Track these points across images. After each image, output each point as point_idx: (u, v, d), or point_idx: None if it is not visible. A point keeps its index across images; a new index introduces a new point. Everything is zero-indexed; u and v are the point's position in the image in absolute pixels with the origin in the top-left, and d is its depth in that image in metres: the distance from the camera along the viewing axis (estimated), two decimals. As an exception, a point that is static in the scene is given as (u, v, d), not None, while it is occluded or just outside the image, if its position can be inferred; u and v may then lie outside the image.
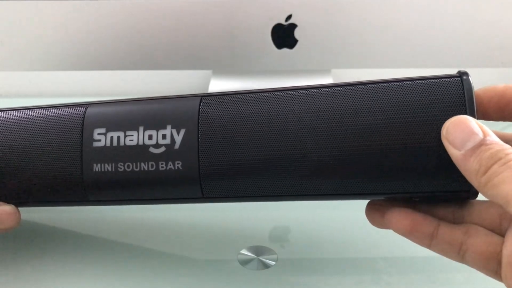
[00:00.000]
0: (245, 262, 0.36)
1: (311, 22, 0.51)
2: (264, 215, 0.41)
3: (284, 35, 0.52)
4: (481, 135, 0.24)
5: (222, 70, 0.58)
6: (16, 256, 0.37)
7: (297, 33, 0.52)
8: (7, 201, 0.35)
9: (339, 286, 0.34)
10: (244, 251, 0.37)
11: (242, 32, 0.52)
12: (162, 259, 0.37)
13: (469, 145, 0.24)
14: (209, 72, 0.61)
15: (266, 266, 0.35)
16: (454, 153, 0.25)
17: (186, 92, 0.68)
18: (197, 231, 0.40)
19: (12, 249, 0.38)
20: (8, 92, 0.69)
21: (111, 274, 0.35)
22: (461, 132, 0.25)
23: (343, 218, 0.41)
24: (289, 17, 0.51)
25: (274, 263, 0.36)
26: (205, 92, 0.59)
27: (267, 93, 0.30)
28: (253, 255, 0.36)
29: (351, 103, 0.28)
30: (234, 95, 0.31)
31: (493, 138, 0.24)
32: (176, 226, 0.41)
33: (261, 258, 0.36)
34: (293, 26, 0.52)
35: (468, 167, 0.24)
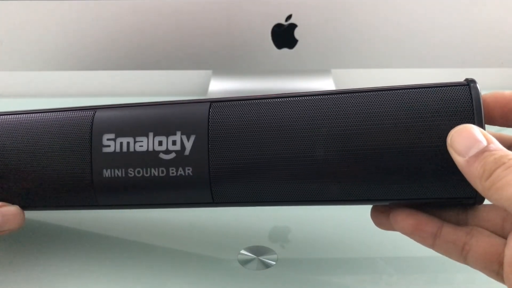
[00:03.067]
0: (245, 262, 0.36)
1: (311, 22, 0.52)
2: (264, 215, 0.41)
3: (284, 35, 0.52)
4: (485, 142, 0.25)
5: (222, 70, 0.58)
6: (19, 255, 0.37)
7: (297, 33, 0.52)
8: (15, 204, 0.35)
9: (339, 286, 0.34)
10: (244, 251, 0.37)
11: (242, 32, 0.52)
12: (162, 259, 0.37)
13: (473, 151, 0.25)
14: (209, 72, 0.61)
15: (266, 266, 0.35)
16: (459, 160, 0.25)
17: (186, 92, 0.69)
18: (197, 231, 0.40)
19: (15, 248, 0.38)
20: (8, 92, 0.69)
21: (111, 272, 0.35)
22: (465, 140, 0.25)
23: (343, 218, 0.41)
24: (289, 17, 0.51)
25: (274, 263, 0.36)
26: (205, 92, 0.59)
27: (277, 99, 0.30)
28: (253, 255, 0.36)
29: (362, 109, 0.28)
30: (243, 101, 0.31)
31: (496, 145, 0.25)
32: (176, 226, 0.41)
33: (261, 258, 0.36)
34: (293, 26, 0.52)
35: (472, 172, 0.25)
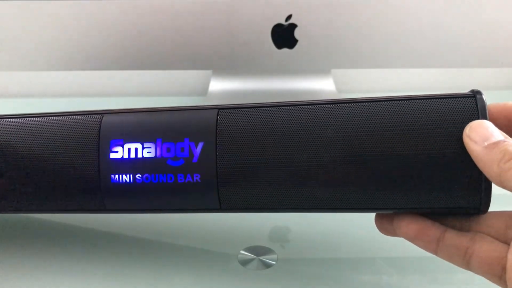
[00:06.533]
0: (245, 262, 0.36)
1: (311, 22, 0.52)
2: (264, 215, 0.41)
3: (284, 35, 0.52)
4: (502, 136, 0.26)
5: (222, 70, 0.58)
6: (20, 255, 0.37)
7: (297, 33, 0.52)
8: (23, 208, 0.35)
9: (339, 286, 0.34)
10: (244, 251, 0.37)
11: (242, 32, 0.52)
12: (162, 259, 0.37)
13: (492, 140, 0.26)
14: (209, 72, 0.61)
15: (266, 266, 0.35)
16: (475, 147, 0.26)
17: (186, 92, 0.69)
18: (197, 231, 0.40)
19: (16, 248, 0.38)
20: (8, 92, 0.69)
21: (110, 270, 0.35)
22: (484, 130, 0.26)
23: (343, 218, 0.41)
24: (289, 17, 0.51)
25: (274, 263, 0.36)
26: (205, 92, 0.59)
27: (285, 106, 0.30)
28: (253, 255, 0.36)
29: (369, 119, 0.29)
30: (251, 108, 0.31)
31: None
32: (176, 226, 0.41)
33: (261, 258, 0.36)
34: (293, 26, 0.52)
35: (491, 157, 0.25)
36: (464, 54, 0.53)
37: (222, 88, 0.58)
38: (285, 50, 0.53)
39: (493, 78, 0.66)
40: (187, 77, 0.69)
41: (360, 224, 0.39)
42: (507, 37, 0.52)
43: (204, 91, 0.63)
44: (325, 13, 0.51)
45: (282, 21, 0.52)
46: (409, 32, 0.52)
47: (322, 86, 0.57)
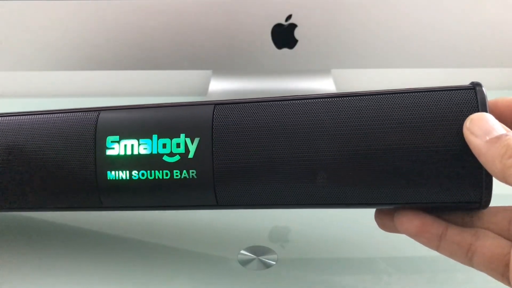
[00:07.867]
0: (245, 262, 0.36)
1: (311, 22, 0.52)
2: (264, 215, 0.41)
3: (284, 35, 0.52)
4: (503, 130, 0.25)
5: (222, 70, 0.58)
6: (20, 255, 0.37)
7: (297, 33, 0.52)
8: (19, 206, 0.35)
9: (339, 286, 0.34)
10: (244, 251, 0.37)
11: (242, 32, 0.52)
12: (161, 259, 0.37)
13: (494, 134, 0.25)
14: (209, 72, 0.61)
15: (266, 266, 0.35)
16: (477, 142, 0.26)
17: (186, 92, 0.69)
18: (197, 231, 0.40)
19: (16, 248, 0.38)
20: (8, 92, 0.69)
21: (109, 271, 0.35)
22: (486, 123, 0.26)
23: (343, 218, 0.41)
24: (289, 17, 0.51)
25: (274, 263, 0.36)
26: (205, 92, 0.59)
27: (281, 101, 0.30)
28: (253, 255, 0.36)
29: (367, 112, 0.28)
30: (247, 103, 0.31)
31: None
32: (176, 226, 0.41)
33: (261, 258, 0.36)
34: (293, 26, 0.52)
35: (493, 152, 0.25)
36: (464, 54, 0.53)
37: (222, 88, 0.58)
38: (285, 50, 0.53)
39: (493, 78, 0.66)
40: (187, 77, 0.69)
41: (360, 224, 0.39)
42: (507, 37, 0.52)
43: (204, 91, 0.63)
44: (325, 13, 0.51)
45: (282, 21, 0.52)
46: (409, 32, 0.52)
47: (322, 86, 0.57)
